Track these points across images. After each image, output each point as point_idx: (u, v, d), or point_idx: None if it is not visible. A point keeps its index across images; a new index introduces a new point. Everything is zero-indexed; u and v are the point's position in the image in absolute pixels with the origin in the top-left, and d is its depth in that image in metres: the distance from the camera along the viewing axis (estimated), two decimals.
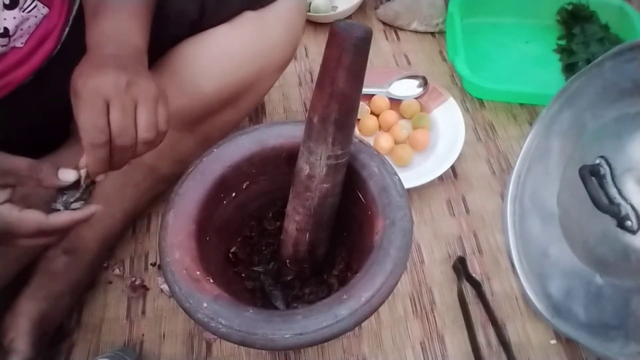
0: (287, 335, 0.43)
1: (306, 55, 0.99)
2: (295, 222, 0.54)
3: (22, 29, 0.56)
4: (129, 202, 0.69)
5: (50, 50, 0.59)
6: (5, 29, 0.54)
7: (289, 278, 0.60)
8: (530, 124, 0.82)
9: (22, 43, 0.57)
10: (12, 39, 0.55)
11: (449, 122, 0.82)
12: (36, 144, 0.60)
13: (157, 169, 0.69)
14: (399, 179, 0.54)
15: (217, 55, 0.65)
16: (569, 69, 0.92)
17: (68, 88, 0.47)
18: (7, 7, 0.54)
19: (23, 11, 0.55)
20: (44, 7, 0.57)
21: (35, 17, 0.57)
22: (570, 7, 0.97)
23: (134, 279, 0.70)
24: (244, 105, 0.73)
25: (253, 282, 0.60)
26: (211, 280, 0.48)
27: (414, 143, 0.81)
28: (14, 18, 0.54)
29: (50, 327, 0.61)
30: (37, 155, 0.60)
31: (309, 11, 1.01)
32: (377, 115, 0.85)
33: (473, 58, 0.89)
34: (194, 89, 0.65)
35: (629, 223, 0.56)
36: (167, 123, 0.49)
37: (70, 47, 0.60)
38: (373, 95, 0.86)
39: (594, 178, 0.59)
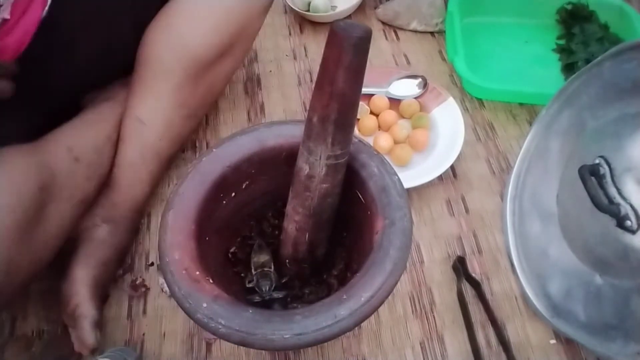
0: (287, 336, 0.43)
1: (305, 55, 0.99)
2: (295, 222, 0.54)
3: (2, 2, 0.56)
4: (151, 163, 0.72)
5: (38, 17, 0.60)
6: None
7: (288, 278, 0.60)
8: (530, 124, 0.82)
9: (8, 14, 0.57)
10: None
11: (449, 122, 0.82)
12: (45, 117, 0.61)
13: (171, 128, 0.72)
14: (399, 178, 0.54)
15: (206, 6, 0.70)
16: (569, 68, 0.92)
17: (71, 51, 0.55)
18: None
19: None
20: None
21: None
22: (569, 7, 0.97)
23: (134, 278, 0.70)
24: (238, 52, 0.76)
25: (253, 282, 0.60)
26: (211, 281, 0.48)
27: (414, 143, 0.81)
28: None
29: (101, 291, 0.65)
30: (46, 129, 0.65)
31: (309, 11, 1.02)
32: (377, 115, 0.85)
33: (473, 58, 0.89)
34: (192, 41, 0.69)
35: (628, 223, 0.56)
36: None
37: (60, 10, 0.61)
38: (372, 95, 0.86)
39: (593, 178, 0.59)
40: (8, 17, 0.57)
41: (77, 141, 0.67)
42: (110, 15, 0.67)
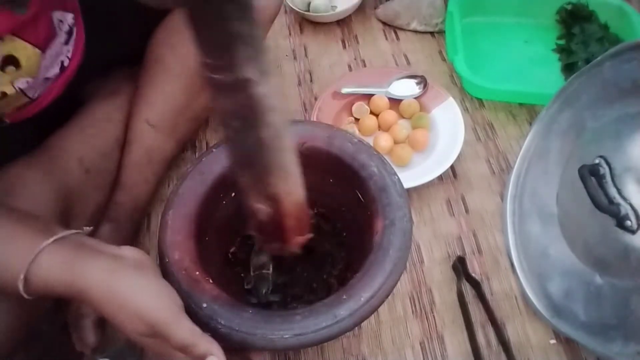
0: (287, 336, 0.43)
1: (305, 55, 0.99)
2: None
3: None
4: (157, 164, 0.72)
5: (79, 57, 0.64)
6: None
7: (288, 278, 0.60)
8: (530, 124, 0.82)
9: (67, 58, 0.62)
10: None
11: (449, 122, 0.82)
12: (45, 111, 0.64)
13: (177, 130, 0.73)
14: (399, 178, 0.54)
15: None
16: (569, 68, 0.92)
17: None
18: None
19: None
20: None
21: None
22: (569, 7, 0.97)
23: None
24: None
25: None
26: (210, 281, 0.49)
27: (414, 143, 0.81)
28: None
29: None
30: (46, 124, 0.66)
31: (309, 11, 1.01)
32: (377, 115, 0.85)
33: (472, 58, 0.89)
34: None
35: (628, 223, 0.56)
36: None
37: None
38: (372, 95, 0.86)
39: (593, 178, 0.59)
40: (67, 61, 0.61)
41: (86, 150, 0.68)
42: (119, 7, 0.67)
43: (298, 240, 0.50)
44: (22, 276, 0.43)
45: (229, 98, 0.38)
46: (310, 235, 0.52)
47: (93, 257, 0.45)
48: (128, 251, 0.48)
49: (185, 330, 0.42)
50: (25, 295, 0.44)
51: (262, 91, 0.37)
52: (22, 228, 0.46)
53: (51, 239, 0.44)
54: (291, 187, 0.45)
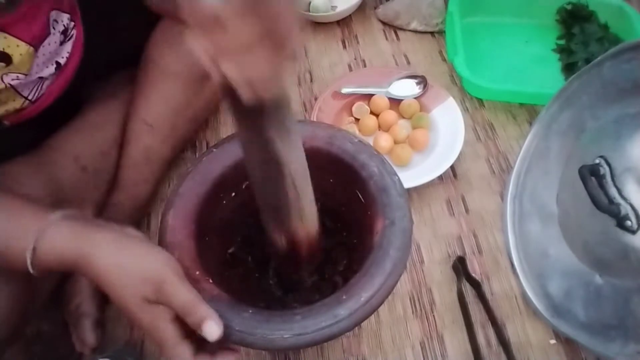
0: (286, 336, 0.43)
1: (305, 55, 0.99)
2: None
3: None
4: (155, 164, 0.72)
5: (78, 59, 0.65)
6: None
7: (289, 277, 0.60)
8: (530, 124, 0.82)
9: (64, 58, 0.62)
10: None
11: (449, 122, 0.82)
12: (46, 110, 0.65)
13: (175, 130, 0.73)
14: (399, 178, 0.54)
15: None
16: (569, 68, 0.92)
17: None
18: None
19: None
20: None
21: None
22: (569, 7, 0.97)
23: None
24: None
25: (252, 282, 0.60)
26: (210, 281, 0.49)
27: (414, 143, 0.81)
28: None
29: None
30: (47, 124, 0.67)
31: (309, 11, 1.01)
32: (377, 115, 0.85)
33: (472, 58, 0.89)
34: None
35: (628, 223, 0.56)
36: None
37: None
38: (372, 95, 0.86)
39: (593, 178, 0.59)
40: (63, 61, 0.62)
41: (83, 149, 0.68)
42: (119, 10, 0.67)
43: (310, 267, 0.56)
44: (31, 246, 0.45)
45: (256, 150, 0.43)
46: (319, 260, 0.57)
47: (100, 229, 0.47)
48: (131, 230, 0.50)
49: (190, 292, 0.44)
50: (30, 268, 0.46)
51: (282, 147, 0.42)
52: (29, 206, 0.49)
53: (59, 214, 0.47)
54: (308, 225, 0.50)
